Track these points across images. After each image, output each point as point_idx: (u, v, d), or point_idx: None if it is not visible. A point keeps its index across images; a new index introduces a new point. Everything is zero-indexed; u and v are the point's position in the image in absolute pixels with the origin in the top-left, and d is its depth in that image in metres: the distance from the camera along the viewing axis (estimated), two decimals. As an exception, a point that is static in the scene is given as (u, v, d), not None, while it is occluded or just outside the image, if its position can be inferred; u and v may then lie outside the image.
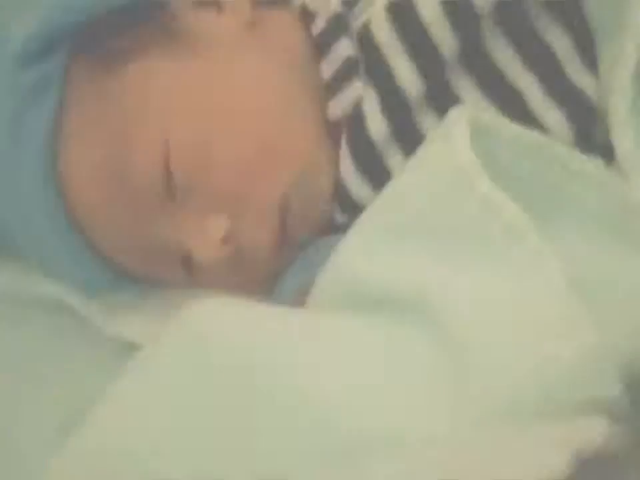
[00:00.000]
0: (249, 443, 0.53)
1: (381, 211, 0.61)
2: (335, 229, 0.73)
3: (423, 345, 0.54)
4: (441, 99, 0.68)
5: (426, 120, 0.69)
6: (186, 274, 0.74)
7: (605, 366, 0.46)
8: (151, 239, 0.71)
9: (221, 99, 0.69)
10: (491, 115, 0.60)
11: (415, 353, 0.54)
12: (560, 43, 0.68)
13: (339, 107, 0.70)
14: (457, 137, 0.57)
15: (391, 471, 0.48)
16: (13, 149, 0.68)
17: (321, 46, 0.72)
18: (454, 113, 0.60)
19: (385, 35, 0.67)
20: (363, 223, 0.62)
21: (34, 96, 0.68)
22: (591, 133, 0.67)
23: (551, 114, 0.67)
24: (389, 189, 0.62)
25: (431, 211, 0.57)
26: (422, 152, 0.60)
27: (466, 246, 0.55)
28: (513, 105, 0.67)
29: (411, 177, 0.60)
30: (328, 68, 0.72)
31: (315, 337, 0.57)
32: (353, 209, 0.70)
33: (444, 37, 0.66)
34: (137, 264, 0.74)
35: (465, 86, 0.68)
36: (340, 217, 0.73)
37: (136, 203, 0.69)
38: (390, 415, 0.51)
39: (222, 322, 0.59)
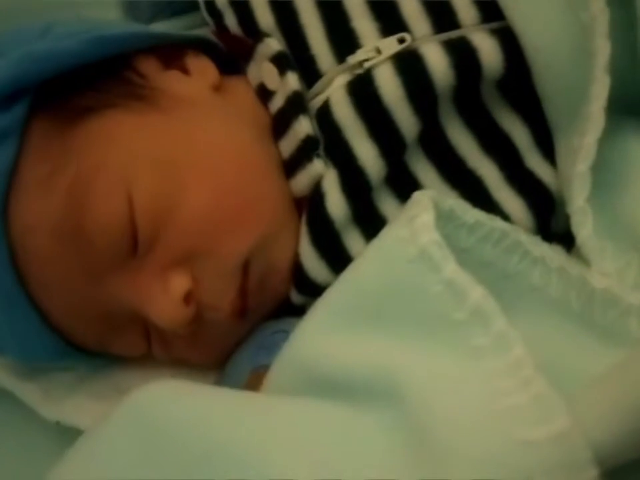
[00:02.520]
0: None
1: (340, 293, 0.60)
2: (291, 311, 0.72)
3: (381, 428, 0.52)
4: (401, 182, 0.68)
5: (386, 202, 0.69)
6: (142, 344, 0.73)
7: (580, 451, 0.45)
8: (107, 302, 0.69)
9: (185, 153, 0.68)
10: (453, 200, 0.60)
11: (373, 436, 0.52)
12: (518, 132, 0.69)
13: (298, 184, 0.70)
14: (422, 219, 0.56)
15: None
16: None
17: (279, 124, 0.72)
18: (417, 195, 0.59)
19: (344, 114, 0.67)
20: (322, 305, 0.60)
21: None
22: (550, 222, 0.67)
23: (511, 202, 0.67)
24: (350, 271, 0.60)
25: (393, 293, 0.56)
26: (385, 233, 0.59)
27: (430, 329, 0.54)
28: (473, 191, 0.67)
29: (373, 258, 0.59)
30: (286, 147, 0.71)
31: (269, 420, 0.54)
32: (310, 290, 0.69)
33: (405, 119, 0.66)
34: (91, 333, 0.72)
35: (424, 170, 0.69)
36: (296, 298, 0.72)
37: (93, 261, 0.66)
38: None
39: (171, 405, 0.56)
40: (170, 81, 0.73)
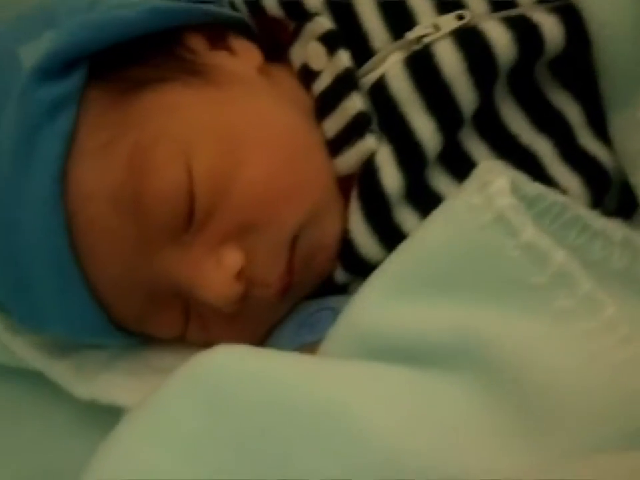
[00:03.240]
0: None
1: (405, 261, 0.59)
2: (332, 290, 0.72)
3: (464, 389, 0.52)
4: (454, 159, 0.68)
5: (439, 179, 0.69)
6: (181, 324, 0.72)
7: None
8: (156, 277, 0.68)
9: (243, 128, 0.68)
10: (514, 172, 0.60)
11: (456, 397, 0.52)
12: (571, 110, 0.69)
13: (347, 162, 0.69)
14: (497, 184, 0.56)
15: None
16: (22, 168, 0.65)
17: (324, 104, 0.71)
18: (486, 165, 0.59)
19: (402, 88, 0.67)
20: (384, 273, 0.60)
21: (49, 113, 0.64)
22: (603, 200, 0.68)
23: (567, 177, 0.68)
24: (414, 239, 0.60)
25: (465, 259, 0.56)
26: (451, 202, 0.59)
27: (506, 294, 0.54)
28: (527, 167, 0.67)
29: (441, 226, 0.58)
30: (332, 125, 0.71)
31: (346, 378, 0.54)
32: (357, 267, 0.69)
33: (464, 93, 0.66)
34: (133, 309, 0.70)
35: (477, 147, 0.69)
36: (340, 276, 0.71)
37: (148, 232, 0.66)
38: (449, 455, 0.49)
39: (241, 365, 0.55)
40: (220, 59, 0.73)
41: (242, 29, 0.77)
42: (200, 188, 0.65)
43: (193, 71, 0.70)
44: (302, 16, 0.73)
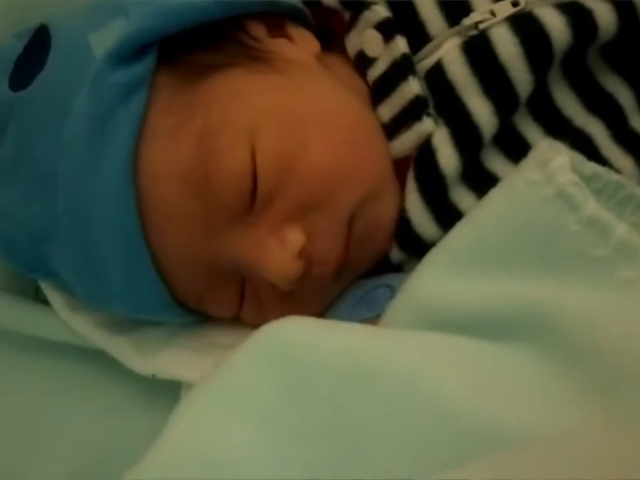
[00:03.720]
0: (359, 448, 0.51)
1: (464, 236, 0.61)
2: (387, 270, 0.73)
3: (532, 359, 0.53)
4: (509, 141, 0.70)
5: (494, 160, 0.71)
6: (237, 304, 0.74)
7: None
8: (219, 256, 0.70)
9: (306, 112, 0.70)
10: (571, 152, 0.61)
11: (526, 367, 0.53)
12: (622, 93, 0.71)
13: (403, 144, 0.71)
14: (557, 161, 0.57)
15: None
16: (95, 149, 0.67)
17: (380, 89, 0.73)
18: (545, 143, 0.61)
19: (459, 73, 0.69)
20: (443, 249, 0.61)
21: (122, 97, 0.67)
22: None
23: (621, 159, 0.69)
24: (473, 216, 0.62)
25: (525, 234, 0.57)
26: (511, 179, 0.61)
27: (568, 267, 0.55)
28: (581, 149, 0.68)
29: (501, 202, 0.60)
30: (388, 110, 0.73)
31: (417, 347, 0.55)
32: (412, 246, 0.71)
33: (520, 76, 0.68)
34: (195, 287, 0.72)
35: (532, 129, 0.71)
36: (396, 255, 0.73)
37: (212, 214, 0.68)
38: (522, 416, 0.50)
39: (310, 335, 0.56)
40: (280, 46, 0.75)
41: (300, 19, 0.79)
42: (263, 170, 0.67)
43: (256, 57, 0.72)
44: (358, 5, 0.76)
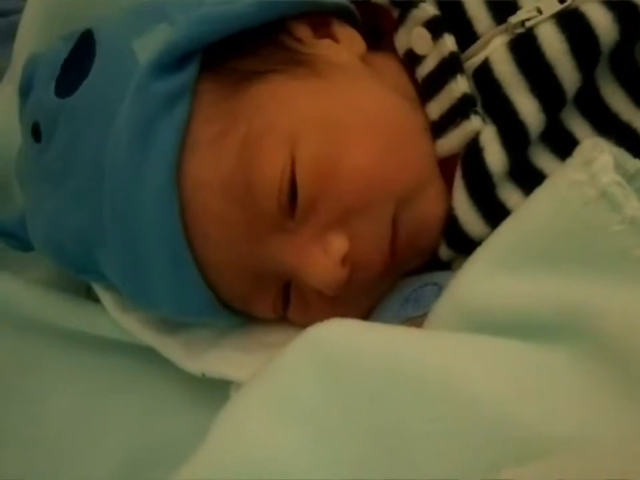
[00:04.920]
0: (402, 450, 0.52)
1: (509, 236, 0.61)
2: (436, 267, 0.74)
3: (574, 360, 0.53)
4: (557, 137, 0.70)
5: (542, 157, 0.70)
6: (281, 306, 0.75)
7: None
8: (262, 262, 0.71)
9: (345, 116, 0.70)
10: (615, 148, 0.61)
11: (568, 368, 0.53)
12: None
13: (450, 143, 0.71)
14: (600, 161, 0.57)
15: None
16: (139, 157, 0.68)
17: (429, 87, 0.74)
18: (589, 142, 0.60)
19: (506, 71, 0.69)
20: (488, 249, 0.62)
21: (165, 105, 0.67)
22: None
23: None
24: (517, 216, 0.62)
25: (568, 234, 0.57)
26: (555, 178, 0.60)
27: (610, 267, 0.55)
28: (629, 144, 0.68)
29: (545, 202, 0.60)
30: (437, 107, 0.73)
31: (460, 352, 0.55)
32: (461, 244, 0.71)
33: (567, 73, 0.68)
34: (239, 290, 0.73)
35: (579, 125, 0.70)
36: (445, 253, 0.73)
37: (255, 221, 0.69)
38: (565, 419, 0.50)
39: (354, 338, 0.57)
40: (324, 48, 0.75)
41: (346, 16, 0.79)
42: (303, 177, 0.68)
43: (299, 61, 0.72)
44: (407, 3, 0.76)
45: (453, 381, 0.53)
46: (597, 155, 0.58)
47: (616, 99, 0.70)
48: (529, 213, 0.61)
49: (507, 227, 0.62)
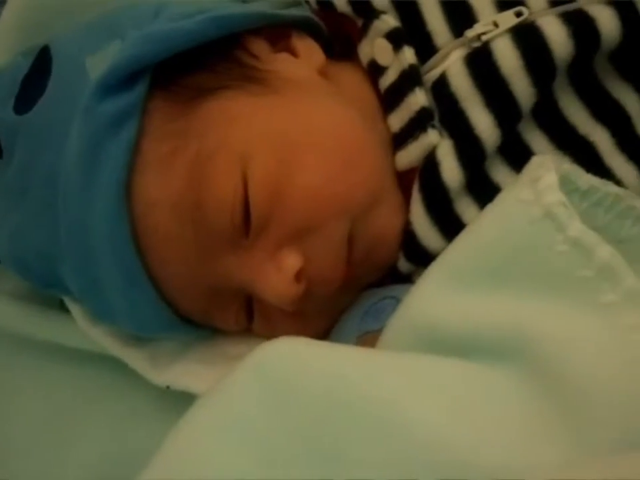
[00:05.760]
0: (342, 474, 0.52)
1: (458, 254, 0.61)
2: (396, 279, 0.74)
3: (512, 381, 0.53)
4: (514, 151, 0.70)
5: (498, 171, 0.70)
6: (244, 319, 0.75)
7: None
8: (218, 279, 0.71)
9: (298, 134, 0.70)
10: (568, 165, 0.61)
11: (506, 389, 0.53)
12: (629, 99, 0.70)
13: (409, 156, 0.71)
14: (546, 180, 0.57)
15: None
16: (89, 179, 0.68)
17: (390, 99, 0.73)
18: (537, 160, 0.60)
19: (462, 85, 0.69)
20: (439, 266, 0.61)
21: (112, 126, 0.67)
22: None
23: (623, 167, 0.69)
24: (468, 233, 0.62)
25: (515, 253, 0.57)
26: (504, 196, 0.60)
27: (554, 287, 0.55)
28: (585, 157, 0.68)
29: (493, 220, 0.60)
30: (397, 120, 0.73)
31: (400, 372, 0.56)
32: (419, 257, 0.71)
33: (522, 89, 0.68)
34: (198, 306, 0.73)
35: (536, 138, 0.70)
36: (404, 266, 0.73)
37: (208, 239, 0.68)
38: (494, 448, 0.50)
39: (301, 359, 0.57)
40: (280, 63, 0.75)
41: (307, 27, 0.79)
42: (255, 196, 0.68)
43: (253, 78, 0.72)
44: (369, 13, 0.75)
45: (391, 406, 0.52)
46: (542, 174, 0.58)
47: (574, 111, 0.70)
48: (478, 231, 0.61)
49: (458, 244, 0.62)
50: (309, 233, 0.69)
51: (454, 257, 0.61)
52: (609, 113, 0.69)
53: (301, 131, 0.70)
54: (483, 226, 0.60)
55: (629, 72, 0.69)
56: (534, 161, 0.60)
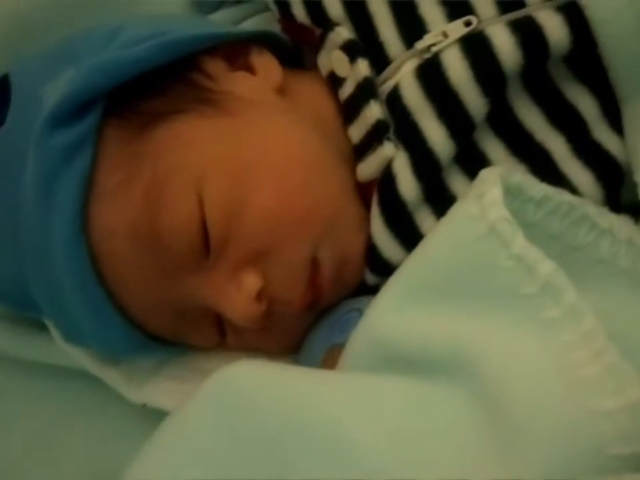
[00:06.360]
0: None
1: (411, 271, 0.61)
2: (366, 290, 0.74)
3: (457, 402, 0.54)
4: (470, 160, 0.69)
5: (456, 180, 0.70)
6: (217, 335, 0.75)
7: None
8: (183, 300, 0.71)
9: (253, 156, 0.70)
10: (520, 175, 0.61)
11: (449, 410, 0.54)
12: (585, 103, 0.69)
13: (368, 168, 0.71)
14: (490, 195, 0.57)
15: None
16: (45, 211, 0.68)
17: (349, 110, 0.73)
18: (485, 173, 0.60)
19: (413, 97, 0.69)
20: (394, 283, 0.62)
21: (65, 158, 0.68)
22: (618, 193, 0.68)
23: (579, 174, 0.68)
24: (420, 249, 0.62)
25: (463, 269, 0.57)
26: (453, 211, 0.61)
27: (501, 303, 0.55)
28: (541, 164, 0.68)
29: (442, 236, 0.60)
30: (356, 132, 0.73)
31: (347, 396, 0.56)
32: (384, 269, 0.71)
33: (473, 100, 0.67)
34: (167, 327, 0.74)
35: (493, 146, 0.70)
36: (370, 278, 0.73)
37: (168, 262, 0.69)
38: (434, 469, 0.51)
39: (254, 383, 0.58)
40: (237, 82, 0.74)
41: (268, 40, 0.79)
42: (212, 219, 0.68)
43: (207, 100, 0.71)
44: (326, 24, 0.75)
45: (336, 429, 0.53)
46: (487, 188, 0.58)
47: (530, 117, 0.69)
48: (429, 246, 0.61)
49: (411, 259, 0.62)
50: (268, 254, 0.69)
51: (407, 273, 0.62)
52: (565, 118, 0.69)
53: (254, 153, 0.70)
54: (433, 242, 0.61)
55: (586, 75, 0.69)
56: (482, 175, 0.61)
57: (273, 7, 0.81)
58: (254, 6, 0.90)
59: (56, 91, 0.69)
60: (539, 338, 0.52)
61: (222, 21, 0.92)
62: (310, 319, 0.74)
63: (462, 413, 0.53)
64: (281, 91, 0.75)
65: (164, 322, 0.74)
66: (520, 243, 0.55)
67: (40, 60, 0.75)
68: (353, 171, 0.73)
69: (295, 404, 0.56)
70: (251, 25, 0.90)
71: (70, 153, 0.68)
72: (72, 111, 0.68)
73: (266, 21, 0.86)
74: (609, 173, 0.68)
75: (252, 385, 0.58)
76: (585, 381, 0.48)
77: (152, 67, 0.70)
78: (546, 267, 0.54)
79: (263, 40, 0.78)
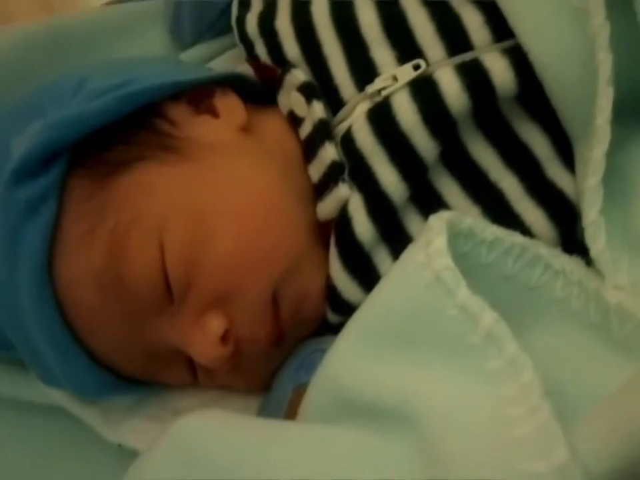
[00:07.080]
0: None
1: (364, 317, 0.61)
2: (330, 328, 0.75)
3: (402, 455, 0.54)
4: (426, 200, 0.70)
5: (412, 220, 0.71)
6: (188, 375, 0.76)
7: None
8: (151, 343, 0.72)
9: (213, 202, 0.70)
10: (471, 219, 0.61)
11: (394, 463, 0.54)
12: (538, 142, 0.69)
13: (326, 208, 0.72)
14: (435, 244, 0.58)
15: None
16: (10, 266, 0.69)
17: (308, 150, 0.74)
18: (432, 220, 0.60)
19: (366, 141, 0.69)
20: (349, 328, 0.62)
21: (28, 212, 0.69)
22: (572, 232, 0.68)
23: (532, 213, 0.68)
24: (373, 295, 0.62)
25: (413, 317, 0.57)
26: (404, 257, 0.61)
27: (448, 353, 0.55)
28: (494, 204, 0.69)
29: (393, 283, 0.60)
30: (315, 171, 0.73)
31: (296, 450, 0.57)
32: (344, 309, 0.72)
33: (423, 143, 0.68)
34: (138, 368, 0.75)
35: (448, 186, 0.70)
36: (332, 318, 0.74)
37: (134, 308, 0.70)
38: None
39: (208, 436, 0.59)
40: (199, 127, 0.75)
41: (232, 81, 0.80)
42: (172, 265, 0.69)
43: (169, 146, 0.72)
44: (285, 65, 0.76)
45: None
46: (433, 237, 0.58)
47: (485, 156, 0.70)
48: (382, 292, 0.61)
49: (366, 304, 0.63)
50: (230, 297, 0.70)
51: (362, 318, 0.62)
52: (519, 158, 0.69)
53: (214, 198, 0.71)
54: (386, 287, 0.61)
55: (537, 113, 0.69)
56: (430, 222, 0.61)
57: (240, 45, 0.82)
58: (230, 40, 0.90)
59: (22, 144, 0.70)
60: (483, 390, 0.52)
61: (199, 56, 0.94)
62: (279, 357, 0.75)
63: (404, 468, 0.53)
64: (245, 129, 0.76)
65: (134, 364, 0.75)
66: (463, 292, 0.55)
67: (10, 112, 0.77)
68: (314, 210, 0.73)
69: (248, 455, 0.56)
70: (226, 59, 0.92)
71: (34, 205, 0.69)
72: (36, 165, 0.69)
73: (242, 54, 0.86)
74: (562, 211, 0.68)
75: (205, 435, 0.58)
76: (517, 440, 0.48)
77: (115, 118, 0.72)
78: (487, 317, 0.54)
79: (228, 80, 0.79)
